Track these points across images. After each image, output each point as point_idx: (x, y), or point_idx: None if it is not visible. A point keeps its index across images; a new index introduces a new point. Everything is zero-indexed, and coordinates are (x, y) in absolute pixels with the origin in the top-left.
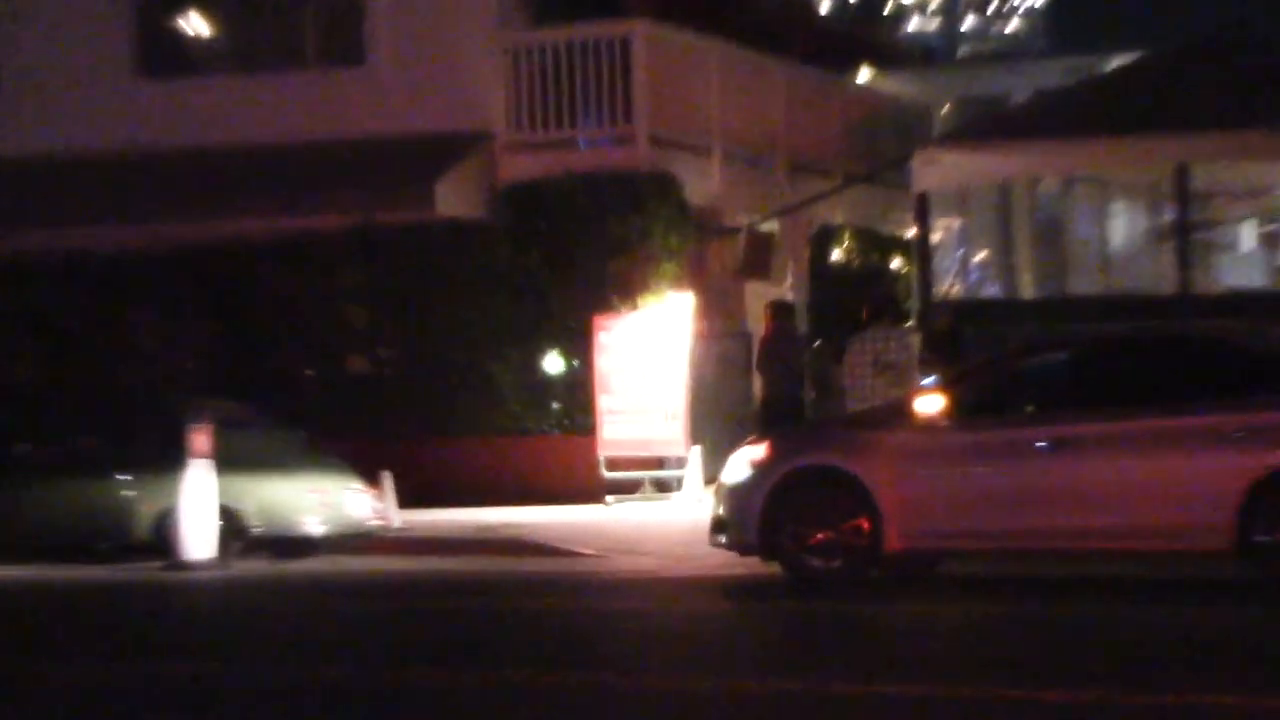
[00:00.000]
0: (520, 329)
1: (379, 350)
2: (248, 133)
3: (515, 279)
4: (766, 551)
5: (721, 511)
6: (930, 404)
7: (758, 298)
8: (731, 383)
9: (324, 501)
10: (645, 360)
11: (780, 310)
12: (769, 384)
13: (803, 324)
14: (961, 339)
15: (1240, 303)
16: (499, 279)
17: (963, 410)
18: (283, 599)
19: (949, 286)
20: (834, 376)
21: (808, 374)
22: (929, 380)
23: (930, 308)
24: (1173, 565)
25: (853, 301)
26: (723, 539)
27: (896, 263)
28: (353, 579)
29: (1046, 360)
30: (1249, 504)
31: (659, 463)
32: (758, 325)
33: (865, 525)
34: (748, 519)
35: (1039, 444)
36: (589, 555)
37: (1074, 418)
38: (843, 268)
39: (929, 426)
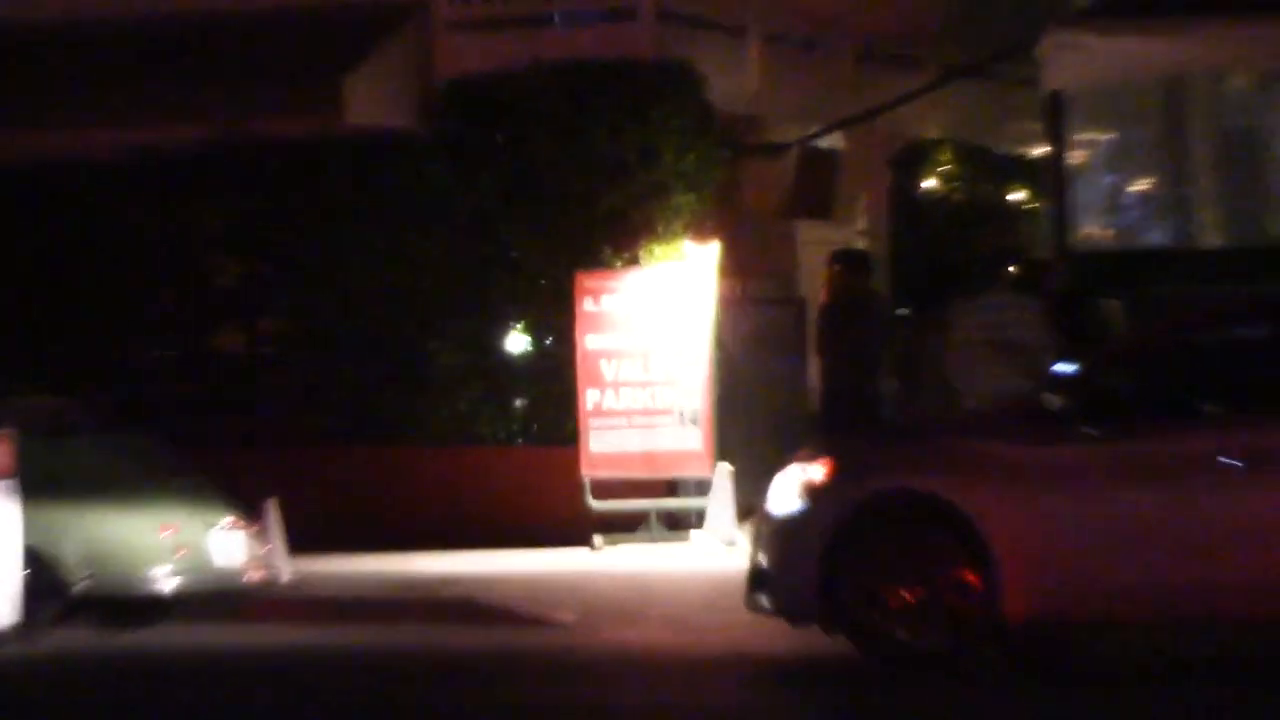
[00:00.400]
0: (468, 291)
1: (260, 321)
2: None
3: (460, 218)
4: (828, 618)
5: (763, 560)
6: (1069, 402)
7: (816, 246)
8: (777, 370)
9: (179, 543)
10: (651, 338)
11: (849, 264)
12: (832, 371)
13: (881, 284)
14: (1107, 308)
15: None
16: (436, 218)
17: (1116, 411)
18: (112, 690)
19: (1094, 230)
20: (928, 361)
21: (889, 357)
22: (1064, 368)
23: (1068, 261)
24: None
25: (955, 250)
26: (765, 600)
27: (1018, 195)
28: (217, 658)
29: (1238, 337)
30: None
31: (670, 487)
32: (816, 286)
33: (975, 581)
34: (801, 570)
35: (1227, 460)
36: (567, 623)
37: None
38: (939, 202)
39: (1068, 435)
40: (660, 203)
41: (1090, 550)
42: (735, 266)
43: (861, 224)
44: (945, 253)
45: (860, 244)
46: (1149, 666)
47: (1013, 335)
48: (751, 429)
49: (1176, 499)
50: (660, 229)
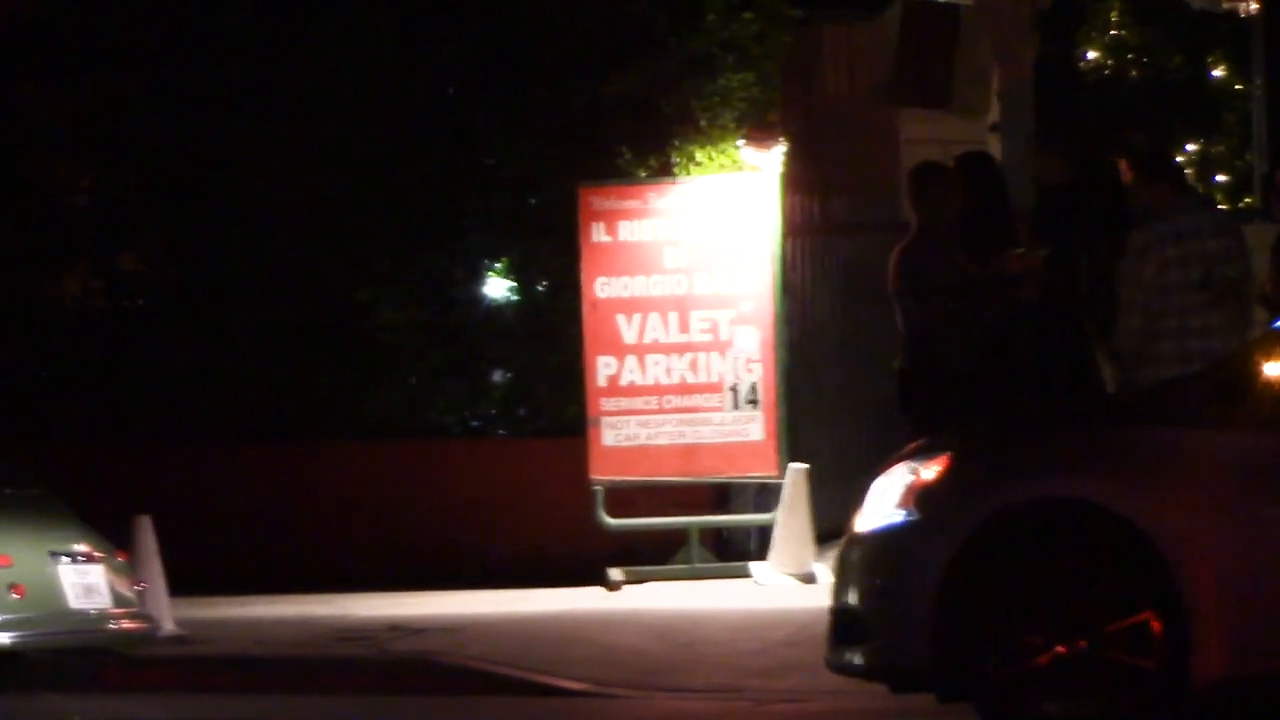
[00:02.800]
0: (421, 215)
1: (120, 260)
2: None
3: (411, 104)
4: (946, 681)
5: (853, 600)
6: None
7: (928, 148)
8: (875, 327)
9: (15, 580)
10: (691, 282)
11: (978, 173)
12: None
13: (1023, 198)
14: None
15: None
16: (375, 104)
17: None
18: None
19: None
20: (1094, 315)
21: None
22: None
23: None
24: None
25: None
26: (855, 656)
27: (1220, 71)
28: None
29: None
30: None
31: (719, 498)
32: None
33: (1156, 627)
34: (908, 614)
35: None
36: (575, 691)
37: None
38: (1108, 82)
39: None
40: (701, 85)
41: None
42: (812, 178)
43: (994, 116)
44: (1112, 158)
45: (992, 146)
46: None
47: (1223, 273)
48: (837, 414)
49: None
50: (702, 124)
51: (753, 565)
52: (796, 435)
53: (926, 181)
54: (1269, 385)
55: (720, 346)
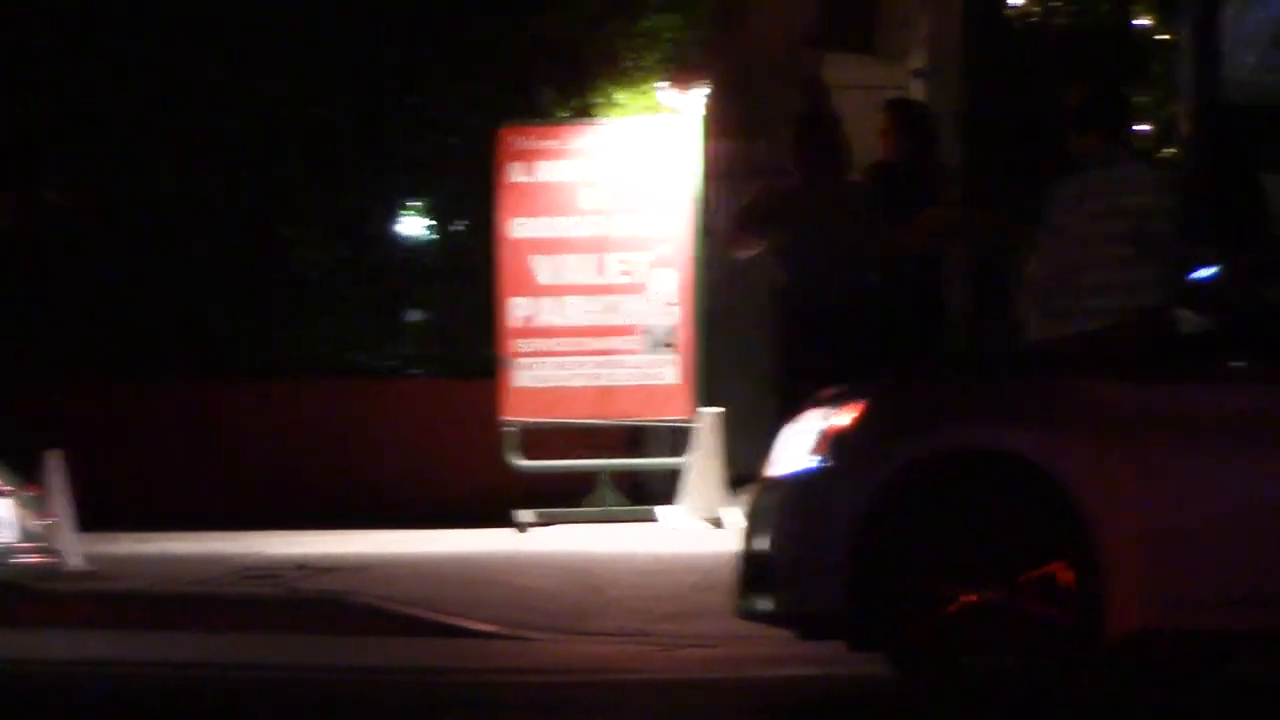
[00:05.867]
0: (341, 153)
1: (29, 189)
2: None
3: (328, 40)
4: (859, 629)
5: (765, 546)
6: (1213, 324)
7: (854, 93)
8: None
9: None
10: (609, 224)
11: (907, 120)
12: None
13: (950, 151)
14: (1273, 187)
15: None
16: (292, 41)
17: (1275, 339)
18: None
19: (1257, 73)
20: (1019, 264)
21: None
22: (1206, 274)
23: (1215, 118)
24: None
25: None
26: (767, 603)
27: (1145, 20)
28: None
29: None
30: None
31: (632, 441)
32: (864, 155)
33: (1069, 579)
34: (821, 561)
35: None
36: (484, 633)
37: None
38: (1034, 29)
39: (1211, 372)
40: (625, 26)
41: (1233, 535)
42: (735, 122)
43: (918, 61)
44: (1043, 105)
45: (917, 92)
46: None
47: (1153, 229)
48: (755, 359)
49: None
50: (625, 65)
51: (665, 509)
52: (714, 379)
53: (803, 134)
54: (1183, 338)
55: (637, 289)
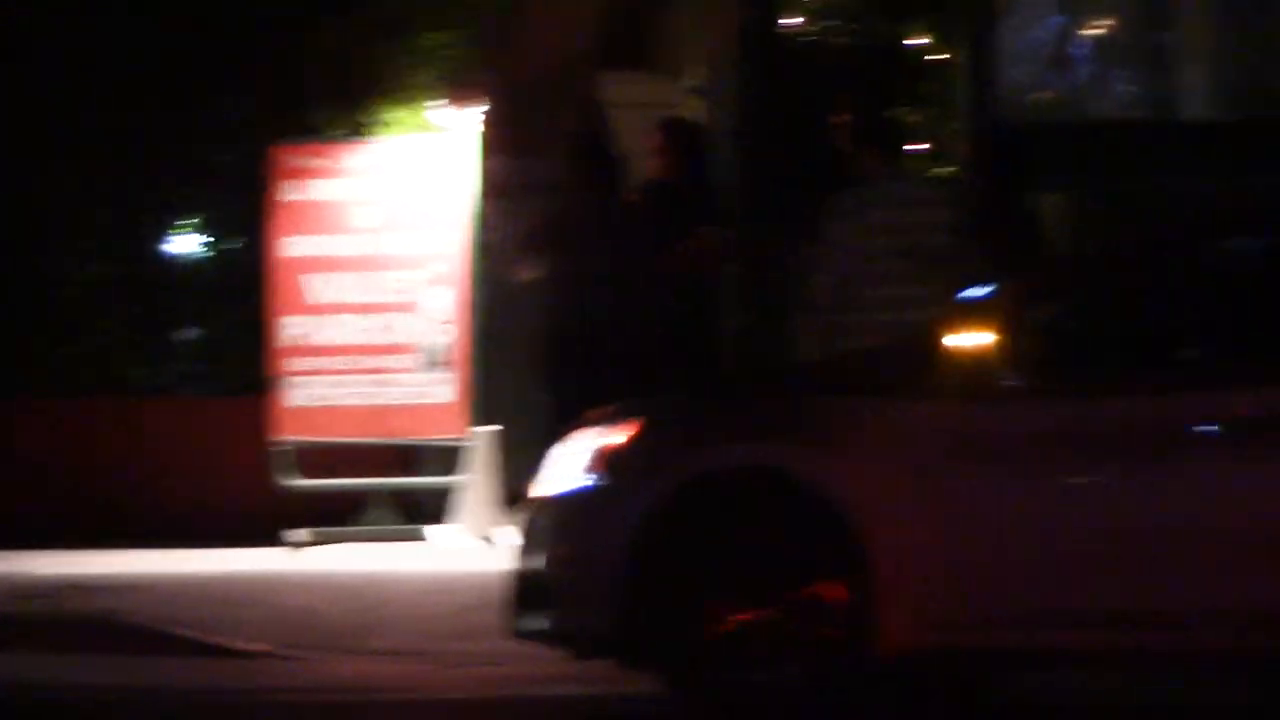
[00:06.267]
0: (108, 167)
1: None
2: None
3: (92, 48)
4: (632, 647)
5: (539, 565)
6: (983, 342)
7: (631, 111)
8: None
9: None
10: (383, 243)
11: (679, 139)
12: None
13: (728, 170)
14: (1045, 207)
15: None
16: (51, 43)
17: (1050, 356)
18: None
19: (1031, 93)
20: (796, 282)
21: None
22: (977, 292)
23: (989, 137)
24: None
25: (839, 118)
26: (542, 622)
27: (924, 40)
28: None
29: (1227, 254)
30: None
31: (406, 459)
32: (642, 174)
33: (842, 597)
34: (594, 580)
35: (1202, 428)
36: (256, 652)
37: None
38: (810, 46)
39: (981, 390)
40: (398, 44)
41: (1004, 554)
42: (513, 139)
43: (694, 79)
44: (819, 125)
45: (695, 110)
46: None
47: (927, 244)
48: (544, 379)
49: (1135, 483)
50: (399, 83)
51: (440, 528)
52: (495, 398)
53: (576, 154)
54: (955, 356)
55: (412, 307)
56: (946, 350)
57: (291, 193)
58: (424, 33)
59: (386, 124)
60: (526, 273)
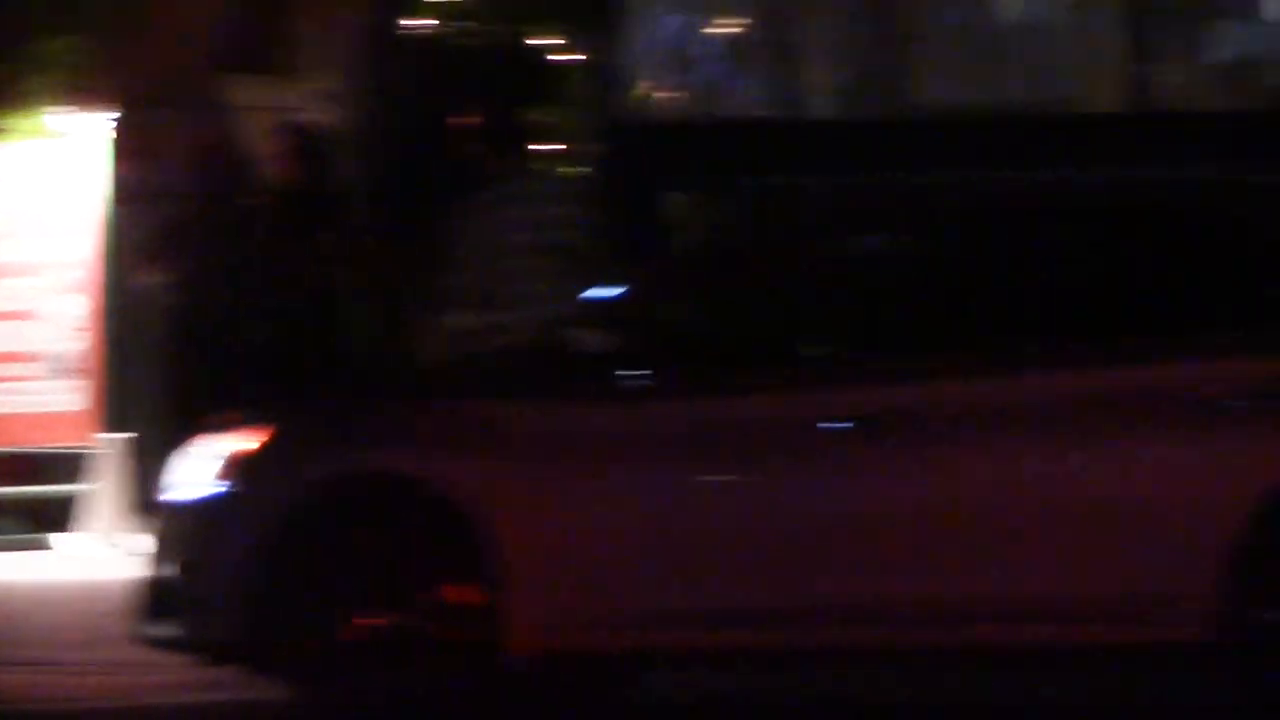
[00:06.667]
0: None
1: None
2: None
3: None
4: (262, 653)
5: (168, 572)
6: (605, 341)
7: (258, 115)
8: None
9: None
10: (8, 250)
11: (297, 144)
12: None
13: (355, 173)
14: (674, 205)
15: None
16: None
17: (672, 354)
18: None
19: (658, 91)
20: (423, 285)
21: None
22: (599, 292)
23: (617, 135)
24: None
25: (466, 119)
26: (171, 629)
27: (555, 40)
28: None
29: (857, 249)
30: (1244, 549)
31: (31, 468)
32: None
33: (469, 600)
34: (222, 585)
35: (832, 425)
36: None
37: (914, 370)
38: (440, 48)
39: (602, 390)
40: (13, 51)
41: (629, 554)
42: (144, 145)
43: (323, 82)
44: (447, 124)
45: (323, 114)
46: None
47: (556, 241)
48: (174, 385)
49: (765, 480)
50: (17, 89)
51: (67, 537)
52: (127, 404)
53: (199, 159)
54: (577, 356)
55: (41, 315)
56: (569, 350)
57: None
58: (43, 38)
59: (6, 131)
60: (151, 276)
